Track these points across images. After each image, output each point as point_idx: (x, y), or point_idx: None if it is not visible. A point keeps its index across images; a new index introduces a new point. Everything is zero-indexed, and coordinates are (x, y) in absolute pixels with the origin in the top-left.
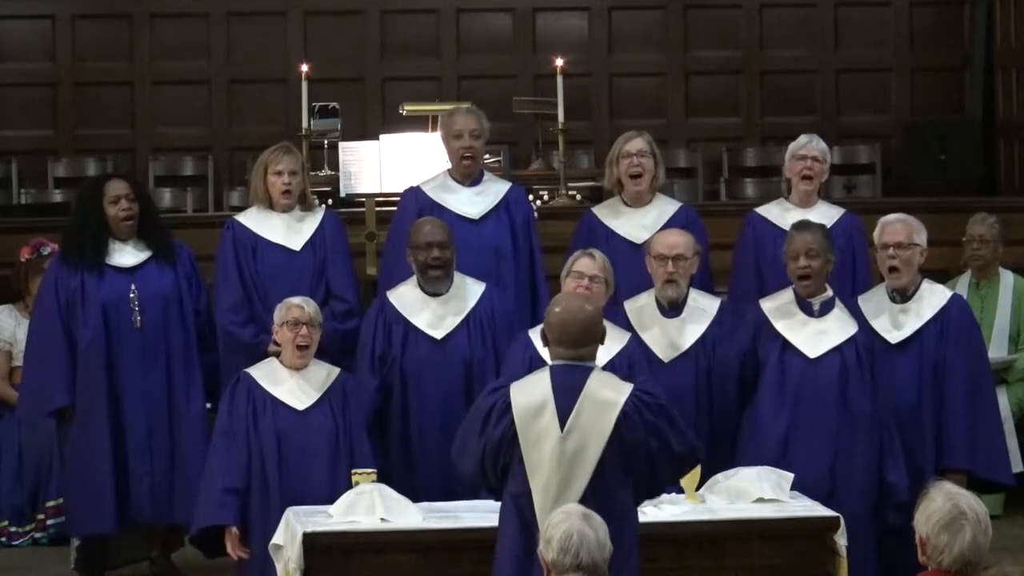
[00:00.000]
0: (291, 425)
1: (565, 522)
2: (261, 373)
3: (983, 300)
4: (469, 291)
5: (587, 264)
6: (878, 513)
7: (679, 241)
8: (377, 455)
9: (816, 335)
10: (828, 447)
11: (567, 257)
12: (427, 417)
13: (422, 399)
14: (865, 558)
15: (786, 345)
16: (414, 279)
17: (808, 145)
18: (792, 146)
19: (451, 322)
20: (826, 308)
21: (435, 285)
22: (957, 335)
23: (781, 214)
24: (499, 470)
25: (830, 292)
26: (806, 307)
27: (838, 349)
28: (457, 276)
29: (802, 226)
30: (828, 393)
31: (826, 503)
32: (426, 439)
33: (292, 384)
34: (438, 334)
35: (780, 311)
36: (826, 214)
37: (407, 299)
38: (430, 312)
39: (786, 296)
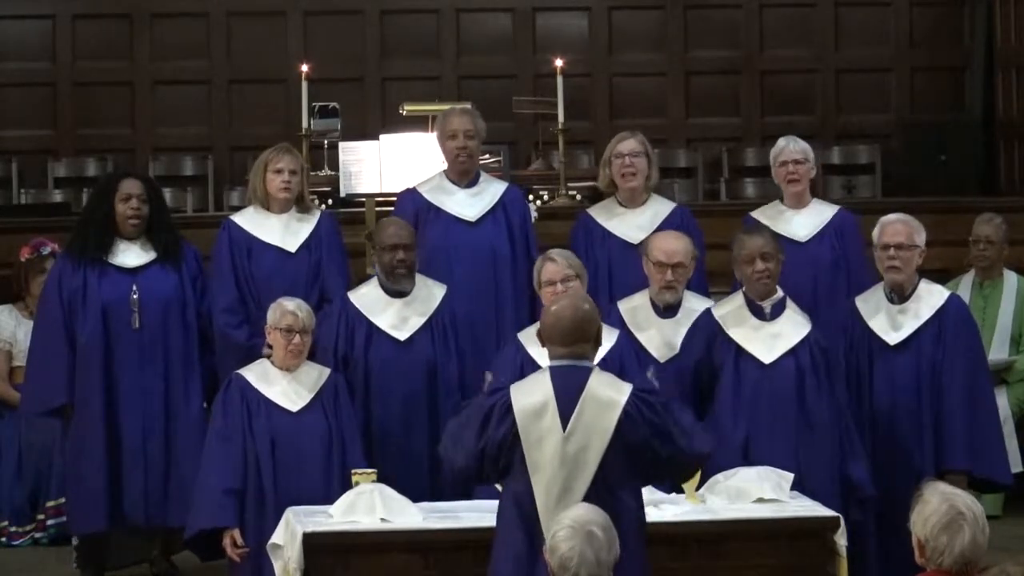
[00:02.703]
0: (285, 427)
1: (569, 540)
2: (253, 374)
3: (986, 300)
4: (431, 293)
5: (552, 270)
6: (844, 512)
7: (678, 249)
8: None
9: (769, 339)
10: (790, 450)
11: None
12: (389, 419)
13: (385, 401)
14: None
15: (740, 351)
16: (375, 279)
17: (787, 149)
18: (772, 152)
19: (415, 323)
20: (777, 310)
21: (399, 284)
22: (955, 335)
23: (775, 216)
24: (498, 469)
25: (780, 293)
26: (757, 311)
27: (792, 352)
28: (419, 277)
29: (751, 230)
30: (785, 397)
31: None
32: (388, 441)
33: (284, 385)
34: (402, 336)
35: (732, 317)
36: (821, 212)
37: (369, 299)
38: (393, 313)
39: (736, 301)
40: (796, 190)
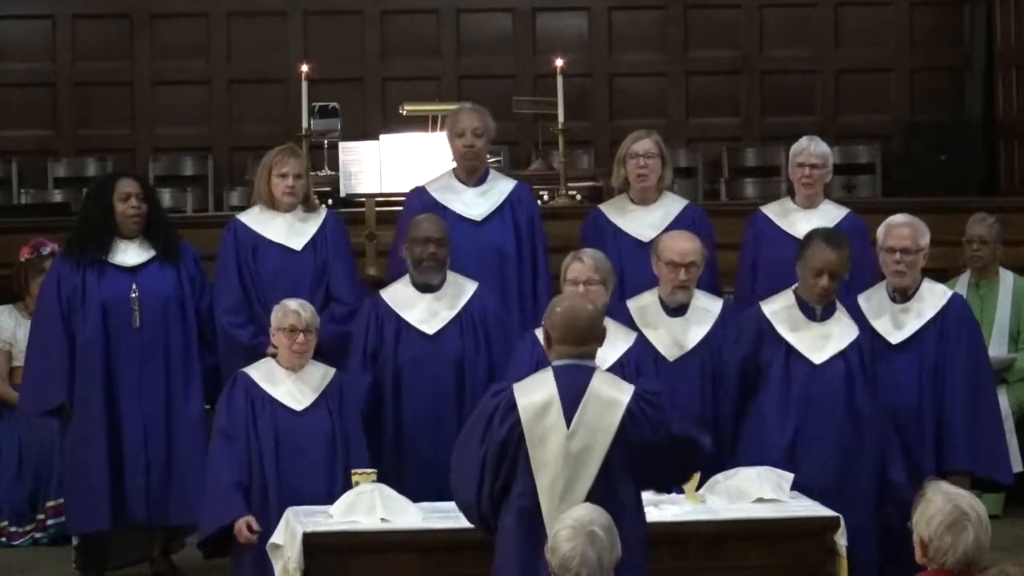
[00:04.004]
0: (289, 426)
1: (571, 540)
2: (259, 373)
3: (983, 300)
4: (462, 289)
5: (578, 269)
6: (880, 513)
7: (690, 249)
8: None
9: (820, 340)
10: (835, 451)
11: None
12: (419, 414)
13: (414, 395)
14: (868, 559)
15: (790, 350)
16: (407, 276)
17: (807, 151)
18: (793, 149)
19: (444, 317)
20: (828, 312)
21: (428, 276)
22: (957, 335)
23: (784, 213)
24: (498, 483)
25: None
26: (808, 311)
27: (842, 354)
28: (450, 274)
29: (833, 242)
30: (834, 398)
31: (832, 506)
32: (417, 436)
33: (290, 385)
34: (430, 329)
35: (783, 315)
36: (830, 214)
37: (399, 295)
38: (423, 307)
39: (787, 299)
40: (809, 192)
